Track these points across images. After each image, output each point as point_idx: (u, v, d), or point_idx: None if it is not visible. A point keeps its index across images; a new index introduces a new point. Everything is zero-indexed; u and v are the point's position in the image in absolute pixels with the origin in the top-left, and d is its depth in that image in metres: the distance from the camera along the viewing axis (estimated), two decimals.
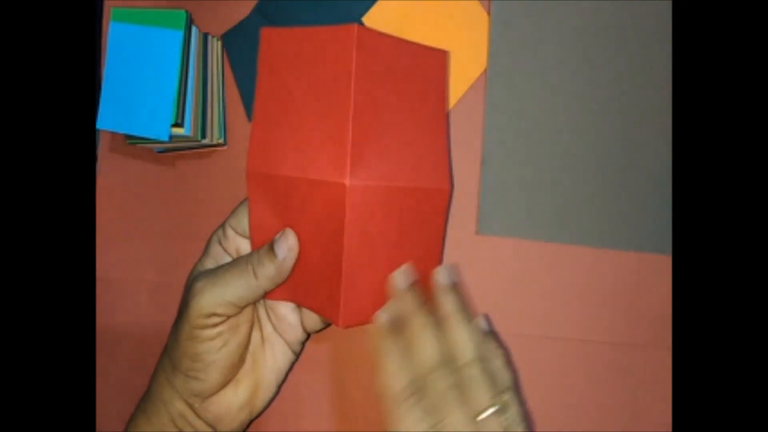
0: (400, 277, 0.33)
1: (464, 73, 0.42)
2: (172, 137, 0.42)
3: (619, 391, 0.40)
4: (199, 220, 0.46)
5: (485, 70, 0.42)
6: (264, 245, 0.34)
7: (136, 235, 0.47)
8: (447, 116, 0.33)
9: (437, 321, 0.32)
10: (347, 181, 0.30)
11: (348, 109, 0.30)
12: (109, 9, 0.44)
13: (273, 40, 0.34)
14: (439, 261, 0.36)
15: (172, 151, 0.46)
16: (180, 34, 0.42)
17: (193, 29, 0.43)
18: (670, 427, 0.37)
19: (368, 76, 0.31)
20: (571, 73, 0.41)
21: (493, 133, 0.41)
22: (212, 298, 0.34)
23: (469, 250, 0.41)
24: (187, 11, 0.42)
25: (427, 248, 0.35)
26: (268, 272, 0.33)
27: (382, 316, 0.32)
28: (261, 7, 0.45)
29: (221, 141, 0.45)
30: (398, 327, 0.32)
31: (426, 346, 0.31)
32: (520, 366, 0.40)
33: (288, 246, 0.33)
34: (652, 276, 0.40)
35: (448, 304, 0.33)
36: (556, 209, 0.40)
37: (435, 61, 0.35)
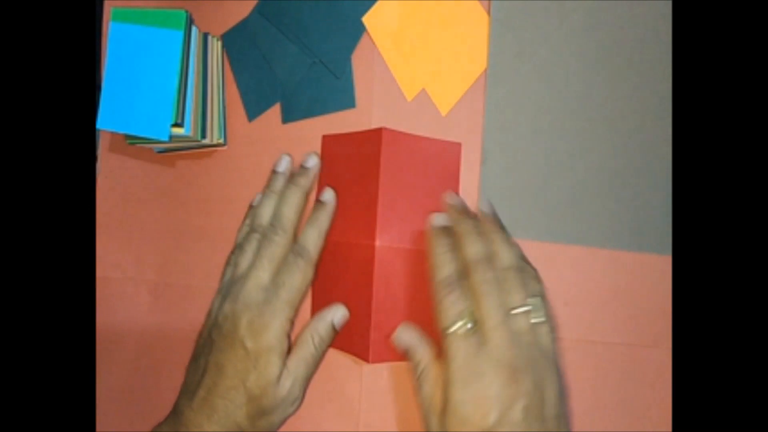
0: (453, 196, 0.39)
1: (464, 73, 0.42)
2: (172, 137, 0.42)
3: (619, 391, 0.40)
4: (199, 220, 0.46)
5: (485, 70, 0.42)
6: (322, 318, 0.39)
7: (136, 235, 0.47)
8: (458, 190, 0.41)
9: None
10: (377, 243, 0.38)
11: (377, 191, 0.39)
12: (109, 9, 0.44)
13: (329, 143, 0.43)
14: None
15: (172, 151, 0.46)
16: (180, 34, 0.42)
17: (193, 29, 0.43)
18: (670, 427, 0.37)
19: (392, 165, 0.39)
20: (571, 73, 0.41)
21: (493, 133, 0.41)
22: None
23: None
24: (187, 11, 0.42)
25: None
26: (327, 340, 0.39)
27: (437, 219, 0.38)
28: (261, 7, 0.45)
29: (221, 141, 0.45)
30: (449, 231, 0.37)
31: (471, 244, 0.35)
32: None
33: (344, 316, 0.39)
34: (652, 276, 0.40)
35: (491, 224, 0.37)
36: (556, 209, 0.40)
37: (450, 150, 0.41)
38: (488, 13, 0.42)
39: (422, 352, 0.36)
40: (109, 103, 0.42)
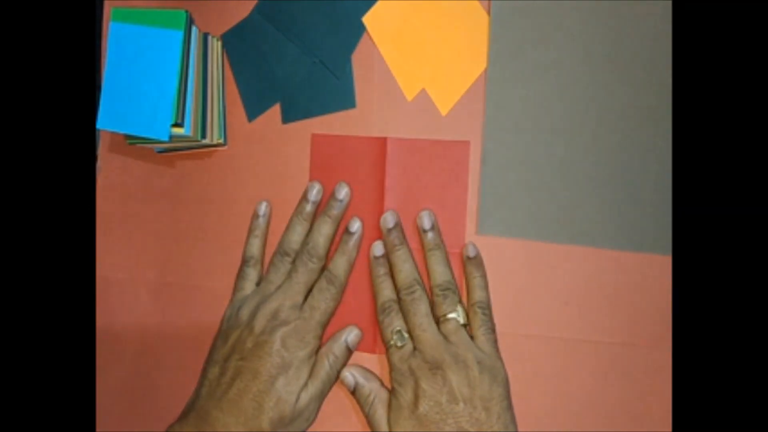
0: (388, 218, 0.42)
1: (464, 73, 0.42)
2: (172, 137, 0.42)
3: (619, 391, 0.40)
4: (199, 220, 0.46)
5: (485, 70, 0.42)
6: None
7: (136, 235, 0.47)
8: (467, 189, 0.42)
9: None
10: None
11: (382, 198, 0.42)
12: (109, 9, 0.44)
13: (320, 142, 0.44)
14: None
15: (172, 151, 0.46)
16: (180, 34, 0.42)
17: (193, 29, 0.43)
18: (670, 427, 0.37)
19: (396, 172, 0.43)
20: (571, 73, 0.41)
21: (493, 133, 0.41)
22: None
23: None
24: (187, 11, 0.42)
25: None
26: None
27: (375, 249, 0.42)
28: (261, 7, 0.45)
29: (221, 141, 0.45)
30: (386, 258, 0.42)
31: (401, 270, 0.41)
32: (520, 366, 0.40)
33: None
34: (652, 276, 0.40)
35: (428, 240, 0.41)
36: (556, 209, 0.40)
37: (458, 148, 0.42)
38: (488, 13, 0.42)
39: (369, 385, 0.40)
40: (109, 103, 0.42)
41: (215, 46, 0.45)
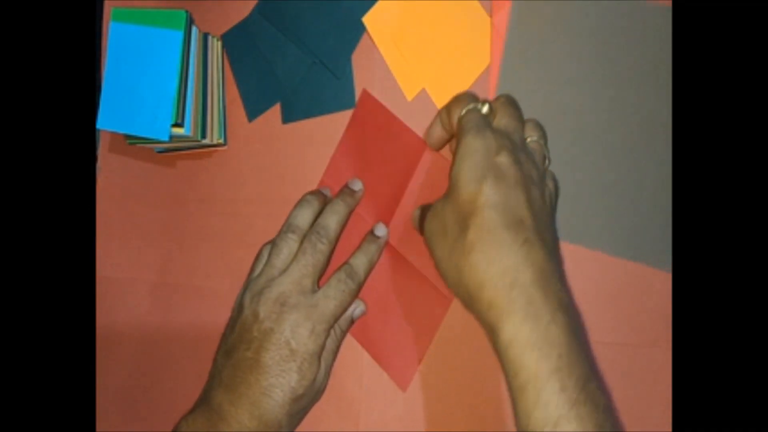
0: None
1: (464, 73, 0.42)
2: (172, 137, 0.42)
3: (619, 391, 0.40)
4: (199, 220, 0.46)
5: (485, 70, 0.42)
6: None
7: (136, 235, 0.47)
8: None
9: None
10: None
11: (405, 189, 0.42)
12: (109, 9, 0.44)
13: (367, 103, 0.43)
14: None
15: (172, 151, 0.46)
16: (180, 34, 0.42)
17: (193, 29, 0.43)
18: (670, 427, 0.37)
19: (358, 126, 0.43)
20: (574, 78, 0.41)
21: None
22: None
23: None
24: (187, 11, 0.42)
25: None
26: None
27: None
28: (261, 7, 0.45)
29: (221, 141, 0.45)
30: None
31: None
32: None
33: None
34: (651, 276, 0.40)
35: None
36: (559, 210, 0.40)
37: (416, 143, 0.42)
38: (488, 13, 0.42)
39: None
40: (109, 103, 0.42)
41: (215, 46, 0.45)
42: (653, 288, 0.40)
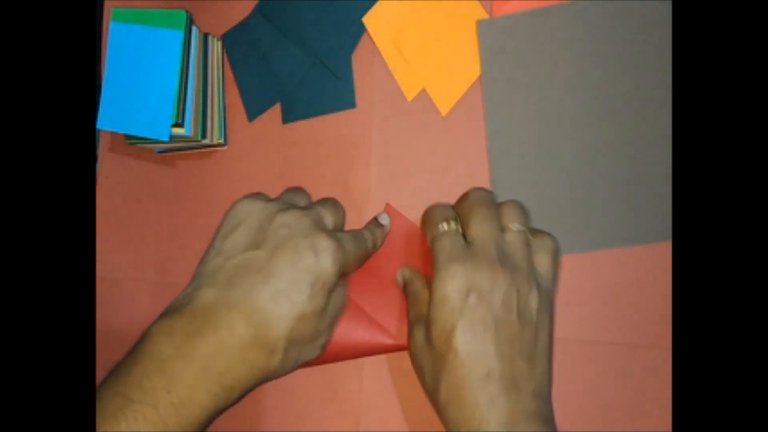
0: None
1: (464, 73, 0.42)
2: (172, 137, 0.42)
3: (619, 391, 0.40)
4: (199, 220, 0.46)
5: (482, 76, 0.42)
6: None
7: (136, 235, 0.47)
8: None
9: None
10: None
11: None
12: (109, 9, 0.44)
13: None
14: None
15: (172, 151, 0.46)
16: (180, 34, 0.42)
17: (193, 29, 0.43)
18: (670, 427, 0.37)
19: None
20: (570, 71, 0.41)
21: (500, 162, 0.41)
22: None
23: None
24: (187, 11, 0.42)
25: None
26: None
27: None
28: (261, 7, 0.45)
29: (221, 141, 0.45)
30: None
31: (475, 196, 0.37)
32: None
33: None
34: (652, 276, 0.40)
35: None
36: (568, 222, 0.40)
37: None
38: (489, 13, 0.42)
39: (417, 281, 0.38)
40: (109, 103, 0.42)
41: (215, 46, 0.45)
42: (653, 287, 0.40)
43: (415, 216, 0.42)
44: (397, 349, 0.40)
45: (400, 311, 0.41)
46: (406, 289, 0.39)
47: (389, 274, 0.41)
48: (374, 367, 0.42)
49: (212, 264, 0.34)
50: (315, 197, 0.43)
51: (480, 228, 0.34)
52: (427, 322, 0.34)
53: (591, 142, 0.40)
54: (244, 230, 0.34)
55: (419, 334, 0.35)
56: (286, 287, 0.32)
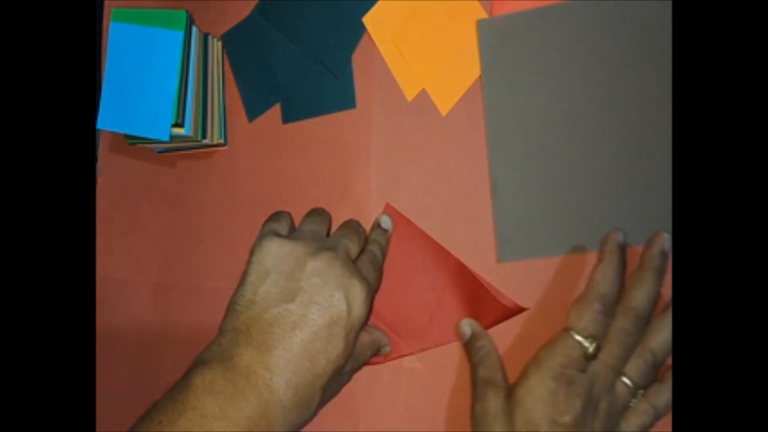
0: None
1: (464, 73, 0.42)
2: (172, 137, 0.42)
3: None
4: (199, 220, 0.46)
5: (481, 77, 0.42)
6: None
7: (136, 235, 0.47)
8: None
9: None
10: None
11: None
12: (109, 9, 0.44)
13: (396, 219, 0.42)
14: None
15: (172, 151, 0.46)
16: (180, 35, 0.42)
17: (194, 29, 0.43)
18: (670, 427, 0.37)
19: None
20: (569, 72, 0.41)
21: (500, 162, 0.41)
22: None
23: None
24: (187, 11, 0.42)
25: None
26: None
27: (617, 237, 0.38)
28: (261, 7, 0.45)
29: (221, 141, 0.45)
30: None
31: (641, 287, 0.36)
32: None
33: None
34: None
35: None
36: (569, 220, 0.40)
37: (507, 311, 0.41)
38: (489, 13, 0.42)
39: (486, 339, 0.38)
40: (109, 103, 0.42)
41: (215, 46, 0.45)
42: None
43: (414, 215, 0.42)
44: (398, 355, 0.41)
45: (406, 311, 0.41)
46: (471, 342, 0.38)
47: (389, 274, 0.41)
48: (374, 368, 0.42)
49: (246, 316, 0.33)
50: (315, 198, 0.44)
51: (604, 367, 0.34)
52: (511, 398, 0.34)
53: (591, 142, 0.40)
54: (275, 278, 0.34)
55: (495, 400, 0.35)
56: (323, 347, 0.32)
